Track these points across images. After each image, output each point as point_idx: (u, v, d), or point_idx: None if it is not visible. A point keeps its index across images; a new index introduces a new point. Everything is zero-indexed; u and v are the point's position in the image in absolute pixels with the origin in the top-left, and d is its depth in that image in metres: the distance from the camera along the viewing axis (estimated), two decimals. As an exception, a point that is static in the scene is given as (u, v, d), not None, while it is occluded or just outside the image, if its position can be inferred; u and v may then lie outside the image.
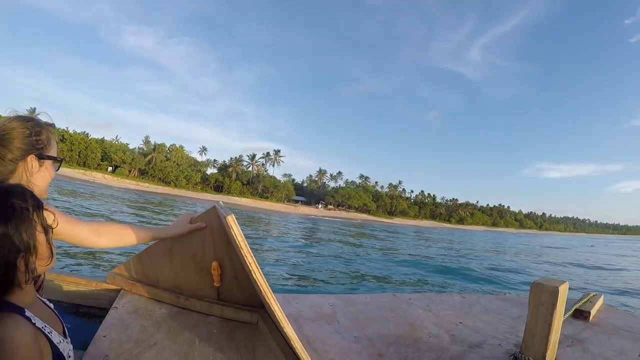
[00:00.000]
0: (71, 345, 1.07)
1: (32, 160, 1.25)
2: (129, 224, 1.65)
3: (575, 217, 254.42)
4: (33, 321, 0.91)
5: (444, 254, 21.36)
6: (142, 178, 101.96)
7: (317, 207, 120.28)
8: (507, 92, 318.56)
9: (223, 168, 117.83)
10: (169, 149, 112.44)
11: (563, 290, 1.43)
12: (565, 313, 1.85)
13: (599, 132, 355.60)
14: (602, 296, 2.73)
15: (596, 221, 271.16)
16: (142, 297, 1.87)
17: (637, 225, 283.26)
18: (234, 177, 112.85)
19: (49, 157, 1.31)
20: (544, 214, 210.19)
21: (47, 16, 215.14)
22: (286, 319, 1.26)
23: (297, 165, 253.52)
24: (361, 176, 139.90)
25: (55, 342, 0.96)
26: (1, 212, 0.87)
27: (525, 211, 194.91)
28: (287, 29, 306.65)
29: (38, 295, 1.06)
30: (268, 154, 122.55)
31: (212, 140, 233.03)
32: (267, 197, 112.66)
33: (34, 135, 1.25)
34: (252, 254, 1.26)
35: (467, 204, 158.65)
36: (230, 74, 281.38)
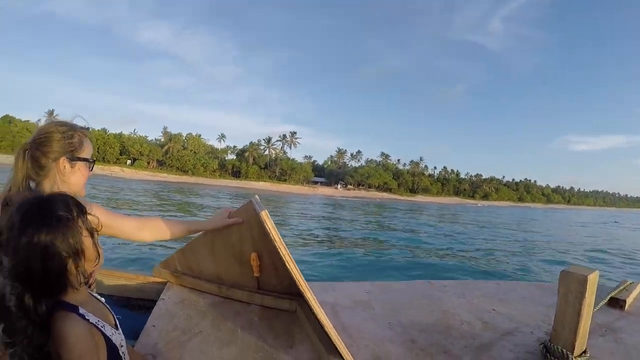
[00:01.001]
0: (123, 336, 1.15)
1: (64, 162, 1.36)
2: (170, 219, 1.75)
3: (604, 190, 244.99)
4: (87, 317, 1.00)
5: (472, 238, 19.53)
6: (161, 169, 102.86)
7: (337, 188, 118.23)
8: (532, 62, 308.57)
9: (240, 153, 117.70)
10: (185, 138, 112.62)
11: (593, 279, 1.42)
12: (599, 301, 1.92)
13: (627, 102, 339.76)
14: None
15: (626, 195, 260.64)
16: (186, 289, 1.99)
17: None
18: (251, 162, 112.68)
19: (80, 159, 1.40)
20: (572, 188, 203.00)
21: (64, 21, 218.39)
22: (319, 306, 1.34)
23: (321, 147, 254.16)
24: (382, 154, 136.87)
25: (108, 335, 1.05)
26: (49, 223, 0.94)
27: (552, 185, 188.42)
28: (303, 11, 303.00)
29: (90, 291, 1.14)
30: (285, 136, 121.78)
31: (237, 127, 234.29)
32: (285, 180, 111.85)
33: (66, 138, 1.36)
34: (285, 246, 1.35)
35: (491, 179, 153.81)
36: (251, 60, 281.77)
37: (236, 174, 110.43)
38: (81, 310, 1.00)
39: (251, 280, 1.90)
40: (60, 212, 0.97)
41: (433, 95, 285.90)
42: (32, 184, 1.36)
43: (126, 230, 1.53)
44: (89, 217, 1.05)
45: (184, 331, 1.60)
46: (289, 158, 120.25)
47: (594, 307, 1.78)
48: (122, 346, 1.12)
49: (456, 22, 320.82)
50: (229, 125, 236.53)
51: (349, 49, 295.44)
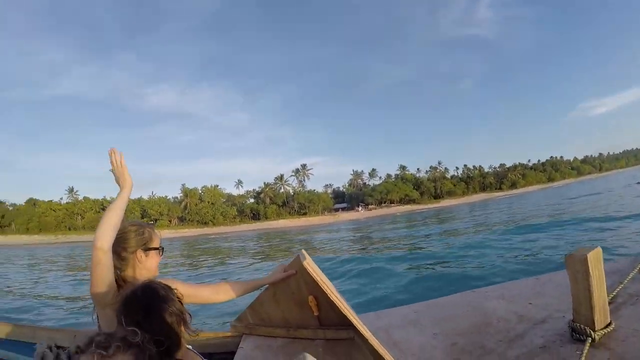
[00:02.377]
0: None
1: (139, 253, 1.74)
2: (236, 280, 2.19)
3: (635, 148, 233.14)
4: None
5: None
6: (182, 224, 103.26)
7: (358, 210, 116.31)
8: (530, 39, 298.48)
9: (256, 195, 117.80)
10: (202, 191, 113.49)
11: (594, 256, 1.52)
12: (630, 272, 2.06)
13: (634, 52, 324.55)
14: None
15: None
16: (260, 337, 2.31)
17: None
18: (268, 202, 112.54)
19: (151, 249, 1.79)
20: (601, 154, 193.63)
21: (68, 101, 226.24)
22: (367, 331, 1.62)
23: (341, 172, 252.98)
24: (400, 167, 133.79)
25: None
26: (159, 300, 1.35)
27: (580, 157, 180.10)
28: (296, 47, 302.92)
29: (187, 346, 1.52)
30: (297, 170, 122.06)
31: (256, 170, 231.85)
32: (305, 213, 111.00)
33: (139, 234, 1.75)
34: (331, 286, 1.71)
35: (516, 166, 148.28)
36: (257, 104, 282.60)
37: (255, 216, 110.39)
38: None
39: (313, 319, 2.18)
40: (162, 291, 1.37)
41: (440, 96, 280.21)
42: (118, 272, 1.69)
43: (204, 296, 1.95)
44: (175, 291, 1.44)
45: None
46: (307, 190, 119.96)
47: (624, 280, 1.94)
48: None
49: (444, 21, 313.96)
50: (248, 169, 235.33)
51: (348, 72, 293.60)
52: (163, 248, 1.86)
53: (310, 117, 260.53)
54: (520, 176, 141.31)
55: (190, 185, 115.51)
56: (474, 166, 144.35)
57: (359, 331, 1.79)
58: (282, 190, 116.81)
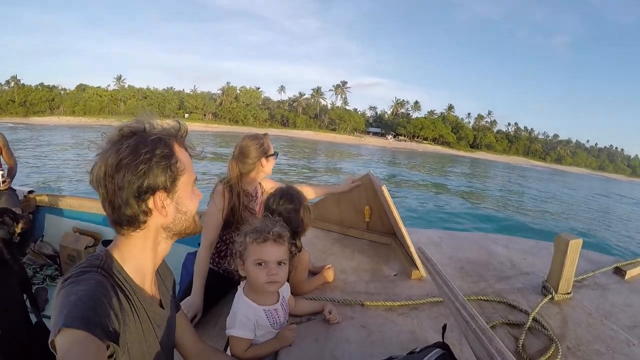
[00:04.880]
0: None
1: (263, 160, 2.20)
2: (315, 185, 2.80)
3: None
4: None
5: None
6: (215, 120, 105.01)
7: (387, 139, 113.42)
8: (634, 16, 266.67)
9: (291, 104, 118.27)
10: (240, 91, 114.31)
11: (574, 244, 1.93)
12: (605, 268, 2.49)
13: None
14: None
15: None
16: (317, 229, 2.91)
17: None
18: (300, 112, 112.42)
19: (269, 155, 2.23)
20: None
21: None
22: (409, 237, 2.17)
23: (398, 98, 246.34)
24: (448, 106, 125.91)
25: None
26: (300, 198, 1.80)
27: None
28: None
29: None
30: (338, 86, 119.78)
31: (312, 79, 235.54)
32: (334, 129, 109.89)
33: (259, 147, 2.17)
34: (392, 201, 2.16)
35: (568, 142, 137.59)
36: (329, 12, 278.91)
37: (285, 123, 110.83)
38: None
39: (363, 224, 2.80)
40: (301, 193, 1.85)
41: (526, 46, 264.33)
42: (241, 174, 2.17)
43: None
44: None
45: (324, 251, 2.52)
46: (338, 107, 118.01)
47: (597, 270, 2.39)
48: None
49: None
50: (310, 78, 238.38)
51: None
52: (277, 153, 2.30)
53: (381, 36, 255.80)
54: (569, 153, 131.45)
55: (237, 84, 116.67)
56: (525, 127, 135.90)
57: (397, 240, 2.57)
58: (324, 103, 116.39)
